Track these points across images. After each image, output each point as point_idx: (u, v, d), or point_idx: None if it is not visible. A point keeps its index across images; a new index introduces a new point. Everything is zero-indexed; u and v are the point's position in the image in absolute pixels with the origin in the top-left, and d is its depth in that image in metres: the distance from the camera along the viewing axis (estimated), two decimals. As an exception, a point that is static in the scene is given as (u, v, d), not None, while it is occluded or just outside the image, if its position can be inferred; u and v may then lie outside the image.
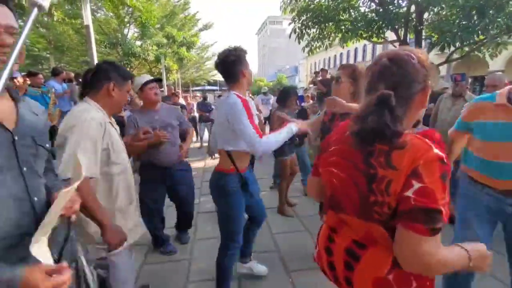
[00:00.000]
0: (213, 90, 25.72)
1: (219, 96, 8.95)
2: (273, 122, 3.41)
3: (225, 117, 1.64)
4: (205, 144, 7.72)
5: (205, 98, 7.86)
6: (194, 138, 8.52)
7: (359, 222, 0.85)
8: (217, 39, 23.42)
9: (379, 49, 23.25)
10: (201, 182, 4.55)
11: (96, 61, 6.07)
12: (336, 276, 0.95)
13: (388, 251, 0.80)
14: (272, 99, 8.49)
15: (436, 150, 0.73)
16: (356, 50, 27.82)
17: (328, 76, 7.79)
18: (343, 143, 0.89)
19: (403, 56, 0.79)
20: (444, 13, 5.96)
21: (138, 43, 13.60)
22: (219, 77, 28.93)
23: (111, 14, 12.41)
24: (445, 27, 5.42)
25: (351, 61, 28.94)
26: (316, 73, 7.15)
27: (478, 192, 1.51)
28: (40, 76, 4.80)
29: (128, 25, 13.66)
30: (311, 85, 8.92)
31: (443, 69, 14.19)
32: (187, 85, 26.60)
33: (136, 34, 14.52)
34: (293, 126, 1.65)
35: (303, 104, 5.83)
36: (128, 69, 13.77)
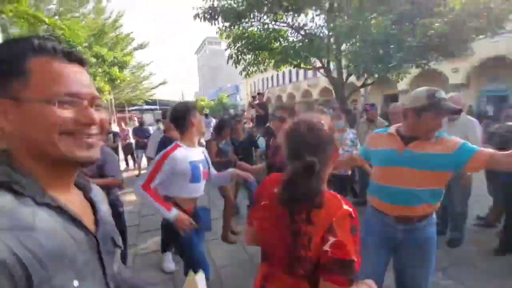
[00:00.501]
0: (152, 110, 24.46)
1: (163, 117, 8.50)
2: (209, 151, 3.42)
3: None
4: (143, 171, 7.23)
5: (141, 124, 7.36)
6: (131, 166, 7.93)
7: (285, 277, 0.92)
8: (154, 58, 22.77)
9: (309, 72, 25.61)
10: (139, 218, 4.16)
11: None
12: None
13: None
14: (213, 122, 8.53)
15: (345, 206, 0.84)
16: (290, 72, 30.06)
17: (268, 95, 8.26)
18: (272, 200, 0.93)
19: (317, 124, 0.90)
20: (358, 44, 6.95)
21: (62, 62, 12.32)
22: (158, 96, 27.89)
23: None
24: (359, 58, 6.31)
25: (287, 81, 31.03)
26: (254, 97, 7.50)
27: (374, 219, 1.63)
28: None
29: (48, 42, 12.33)
30: (249, 107, 9.29)
31: (363, 90, 16.39)
32: (122, 105, 24.91)
33: (59, 53, 13.16)
34: (173, 214, 1.67)
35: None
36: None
